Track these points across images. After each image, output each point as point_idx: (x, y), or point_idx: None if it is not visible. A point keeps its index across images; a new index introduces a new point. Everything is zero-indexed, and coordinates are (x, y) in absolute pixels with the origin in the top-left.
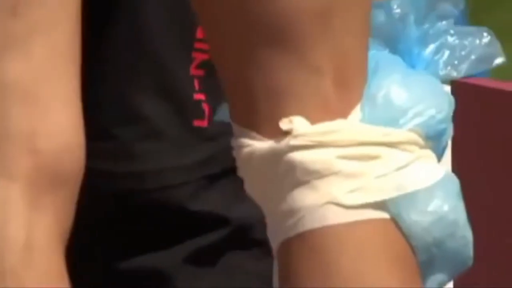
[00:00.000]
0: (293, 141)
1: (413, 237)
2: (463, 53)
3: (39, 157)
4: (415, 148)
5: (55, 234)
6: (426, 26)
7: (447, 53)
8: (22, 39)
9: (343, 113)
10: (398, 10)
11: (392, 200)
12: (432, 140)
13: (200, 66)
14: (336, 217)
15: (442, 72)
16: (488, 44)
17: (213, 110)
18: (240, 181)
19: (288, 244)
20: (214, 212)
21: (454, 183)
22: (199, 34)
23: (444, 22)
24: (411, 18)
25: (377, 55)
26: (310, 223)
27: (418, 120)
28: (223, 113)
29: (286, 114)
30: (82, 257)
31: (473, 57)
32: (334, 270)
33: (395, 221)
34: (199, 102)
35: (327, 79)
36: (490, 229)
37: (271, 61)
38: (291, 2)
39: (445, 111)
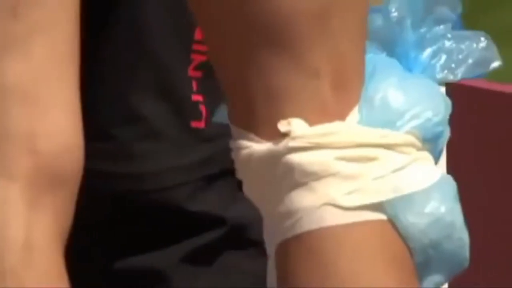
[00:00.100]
0: (291, 143)
1: (410, 239)
2: (460, 57)
3: (39, 158)
4: (412, 150)
5: (55, 234)
6: (423, 30)
7: (444, 57)
8: (22, 39)
9: (341, 115)
10: (395, 14)
11: (389, 201)
12: (429, 143)
13: (198, 67)
14: (333, 218)
15: (439, 76)
16: (485, 48)
17: (210, 112)
18: (237, 182)
19: (286, 245)
20: (211, 212)
21: (451, 185)
22: (197, 35)
23: (441, 26)
24: (408, 22)
25: (375, 58)
26: (308, 224)
27: (415, 123)
28: (221, 115)
29: (284, 116)
30: (80, 258)
31: (470, 61)
32: (332, 271)
33: (392, 222)
34: (196, 103)
35: (325, 81)
36: (486, 231)
37: (270, 63)
38: (290, 4)
39: (442, 114)
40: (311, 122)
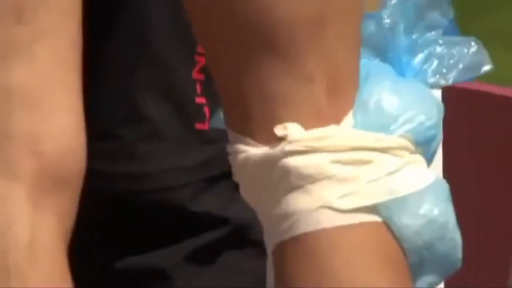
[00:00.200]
0: (287, 147)
1: (404, 240)
2: (451, 61)
3: (42, 159)
4: (405, 153)
5: (59, 233)
6: (415, 36)
7: (435, 62)
8: (26, 44)
9: (336, 119)
10: (388, 21)
11: (383, 204)
12: (422, 146)
13: (202, 70)
14: (329, 220)
15: (430, 80)
16: (476, 52)
17: (213, 114)
18: (236, 184)
19: (282, 247)
20: (212, 212)
21: (444, 187)
22: None
23: (433, 32)
24: (401, 28)
25: (368, 63)
26: (304, 226)
27: (408, 127)
28: (218, 121)
29: (280, 121)
30: (82, 259)
31: (461, 65)
32: (328, 272)
33: (386, 224)
34: (201, 105)
35: (320, 86)
36: (481, 232)
37: (266, 69)
38: (285, 10)
39: (435, 118)
40: (307, 126)
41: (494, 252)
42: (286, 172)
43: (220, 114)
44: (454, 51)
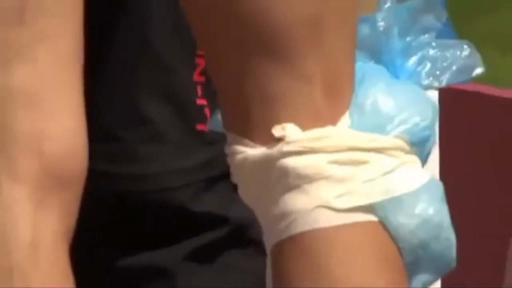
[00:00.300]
0: (285, 148)
1: (400, 239)
2: (444, 64)
3: (45, 160)
4: (400, 153)
5: (61, 234)
6: (409, 38)
7: (429, 64)
8: (28, 46)
9: (333, 120)
10: (382, 24)
11: (379, 203)
12: (417, 146)
13: (203, 72)
14: (326, 220)
15: (424, 82)
16: (468, 56)
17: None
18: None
19: (280, 246)
20: (213, 212)
21: (438, 187)
22: None
23: (426, 35)
24: (395, 31)
25: (363, 66)
26: (301, 226)
27: (403, 127)
28: (216, 123)
29: (278, 121)
30: (84, 259)
31: (454, 68)
32: (324, 271)
33: (382, 223)
34: (201, 107)
35: (318, 87)
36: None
37: (264, 70)
38: (283, 11)
39: (429, 119)
40: (304, 127)
41: (490, 252)
42: (284, 172)
43: (218, 117)
44: (447, 54)
